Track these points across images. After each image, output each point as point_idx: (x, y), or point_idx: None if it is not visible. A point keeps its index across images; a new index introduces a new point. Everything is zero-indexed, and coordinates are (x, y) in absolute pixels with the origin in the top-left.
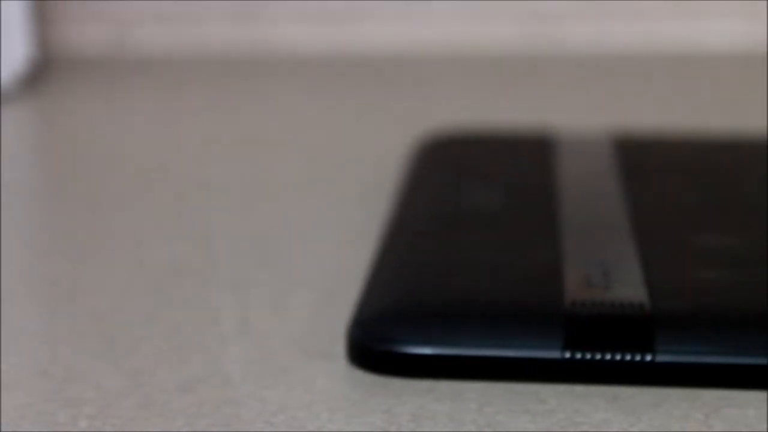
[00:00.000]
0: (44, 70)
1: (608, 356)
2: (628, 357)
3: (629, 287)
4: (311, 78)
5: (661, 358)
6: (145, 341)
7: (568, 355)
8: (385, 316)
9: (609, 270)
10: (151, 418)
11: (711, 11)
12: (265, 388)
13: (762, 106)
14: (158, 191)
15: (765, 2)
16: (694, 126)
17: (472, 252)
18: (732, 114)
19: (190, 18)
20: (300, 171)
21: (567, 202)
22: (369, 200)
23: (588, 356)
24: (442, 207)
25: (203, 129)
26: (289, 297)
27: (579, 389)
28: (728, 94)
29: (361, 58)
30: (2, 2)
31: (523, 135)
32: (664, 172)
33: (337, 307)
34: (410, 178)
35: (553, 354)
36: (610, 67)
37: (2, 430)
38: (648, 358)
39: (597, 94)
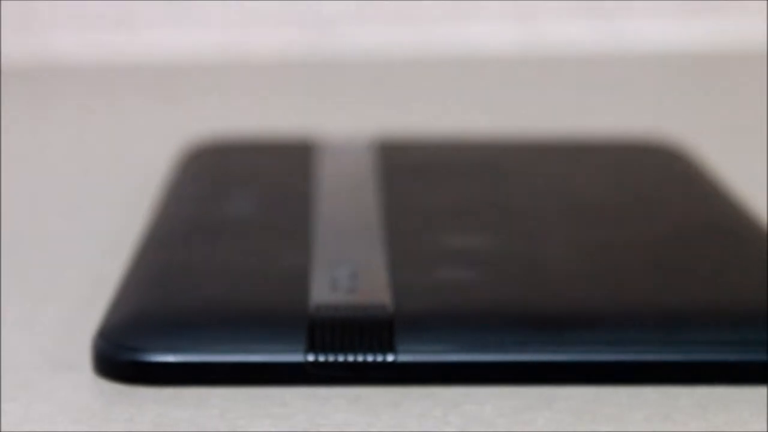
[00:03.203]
0: None
1: (351, 358)
2: (370, 358)
3: (374, 289)
4: (82, 86)
5: (402, 358)
6: None
7: (311, 358)
8: (128, 325)
9: (356, 273)
10: None
11: (481, 14)
12: (7, 401)
13: (528, 107)
14: None
15: (533, 7)
16: (465, 128)
17: (222, 259)
18: (499, 116)
19: None
20: (63, 180)
21: (323, 207)
22: (131, 209)
23: (331, 359)
24: (198, 215)
25: None
26: (42, 309)
27: (323, 391)
28: (494, 97)
29: (133, 66)
30: None
31: (287, 141)
32: (422, 176)
33: (89, 318)
34: (171, 186)
35: (296, 358)
36: (382, 73)
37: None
38: (389, 358)
39: (366, 99)
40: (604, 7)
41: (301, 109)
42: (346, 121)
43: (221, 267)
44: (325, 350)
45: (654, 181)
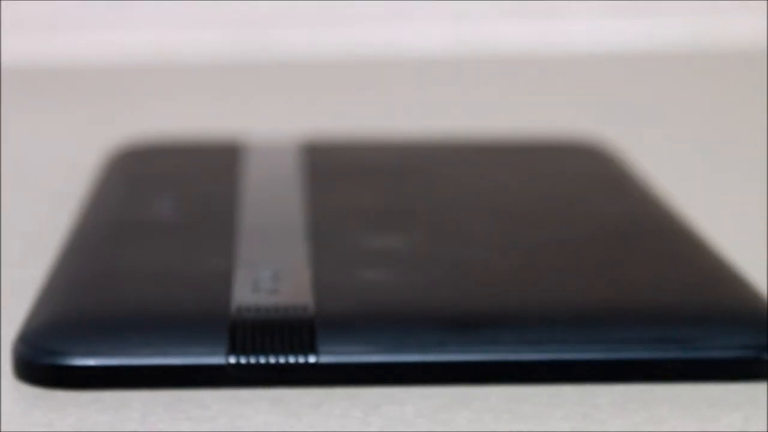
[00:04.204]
0: None
1: (272, 360)
2: (291, 360)
3: (296, 291)
4: (7, 88)
5: (323, 359)
6: None
7: (232, 360)
8: (48, 329)
9: (278, 274)
10: None
11: (413, 15)
12: None
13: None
14: None
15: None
16: (394, 129)
17: (144, 262)
18: (429, 117)
19: None
20: None
21: (248, 208)
22: (55, 213)
23: (252, 360)
24: (122, 217)
25: None
26: None
27: (245, 393)
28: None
29: (59, 68)
30: None
31: (214, 143)
32: (348, 177)
33: (12, 322)
34: (96, 189)
35: (218, 360)
36: (312, 74)
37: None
38: (311, 359)
39: (294, 101)
40: (538, 7)
41: (230, 110)
42: (274, 123)
43: (143, 270)
44: (246, 352)
45: (578, 181)
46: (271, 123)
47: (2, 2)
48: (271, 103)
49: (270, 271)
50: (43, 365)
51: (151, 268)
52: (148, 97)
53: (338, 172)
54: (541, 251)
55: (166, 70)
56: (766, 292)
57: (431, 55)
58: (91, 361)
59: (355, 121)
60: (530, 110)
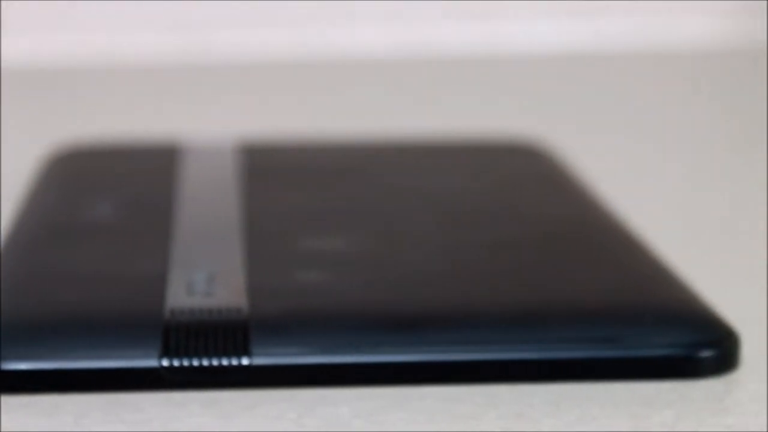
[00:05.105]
0: None
1: (206, 362)
2: (225, 362)
3: (231, 293)
4: None
5: (257, 361)
6: None
7: (165, 363)
8: None
9: (213, 277)
10: None
11: (356, 16)
12: None
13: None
14: None
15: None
16: (333, 131)
17: (78, 264)
18: (369, 118)
19: None
20: None
21: (184, 211)
22: None
23: (186, 363)
24: (57, 220)
25: None
26: None
27: (179, 396)
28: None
29: (3, 69)
30: None
31: (152, 145)
32: (285, 178)
33: None
34: (32, 191)
35: (151, 363)
36: (253, 76)
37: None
38: (245, 361)
39: (235, 102)
40: (479, 8)
41: (171, 112)
42: (217, 124)
43: (77, 273)
44: (179, 355)
45: (516, 182)
46: (214, 124)
47: None
48: (213, 104)
49: (205, 274)
50: None
51: (86, 270)
52: (90, 99)
53: (276, 173)
54: (477, 252)
55: (109, 72)
56: (699, 291)
57: (372, 56)
58: (23, 365)
59: (295, 123)
60: (470, 111)
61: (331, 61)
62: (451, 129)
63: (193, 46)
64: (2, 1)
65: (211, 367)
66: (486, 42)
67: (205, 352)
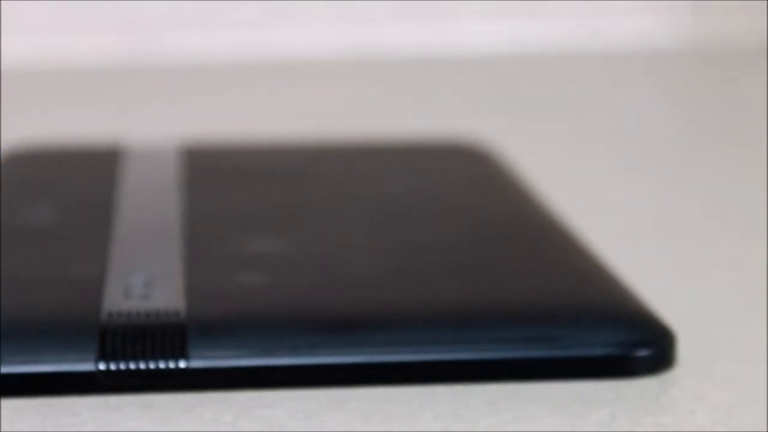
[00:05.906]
0: None
1: (143, 365)
2: (162, 365)
3: (168, 296)
4: None
5: (194, 364)
6: None
7: (102, 366)
8: None
9: (151, 280)
10: None
11: (306, 17)
12: None
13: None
14: None
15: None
16: (278, 133)
17: (15, 267)
18: (314, 120)
19: None
20: None
21: (124, 213)
22: None
23: (122, 367)
24: None
25: None
26: None
27: (115, 400)
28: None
29: None
30: None
31: (96, 148)
32: (227, 181)
33: None
34: None
35: (87, 366)
36: (199, 77)
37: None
38: (182, 364)
39: (180, 104)
40: (422, 9)
41: (116, 114)
42: (159, 127)
43: (13, 275)
44: (116, 358)
45: (457, 182)
46: (159, 127)
47: None
48: (158, 106)
49: (143, 276)
50: None
51: (23, 273)
52: (37, 101)
53: (218, 176)
54: (416, 253)
55: (56, 74)
56: (636, 291)
57: (319, 57)
58: None
59: (240, 125)
60: (416, 112)
61: (278, 63)
62: (394, 130)
63: (139, 48)
64: None
65: (147, 370)
66: (430, 43)
67: (142, 355)
